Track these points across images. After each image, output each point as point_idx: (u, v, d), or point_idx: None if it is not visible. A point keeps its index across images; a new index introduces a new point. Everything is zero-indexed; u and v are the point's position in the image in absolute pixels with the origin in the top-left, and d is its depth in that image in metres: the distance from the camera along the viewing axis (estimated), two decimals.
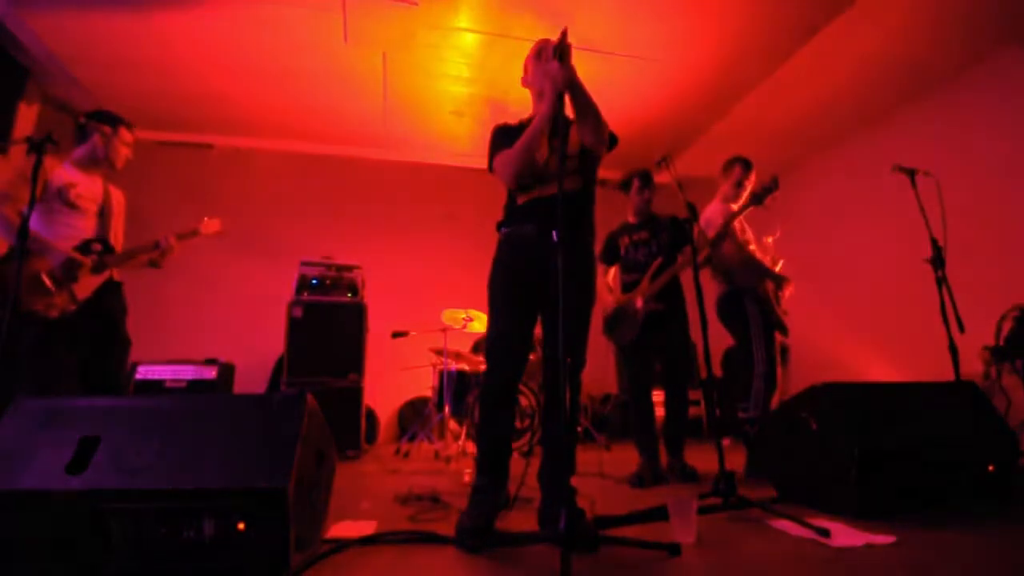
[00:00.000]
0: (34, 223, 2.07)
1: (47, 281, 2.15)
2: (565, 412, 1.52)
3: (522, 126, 1.94)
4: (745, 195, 2.88)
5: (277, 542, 1.22)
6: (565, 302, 1.52)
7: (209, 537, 1.21)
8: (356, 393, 3.80)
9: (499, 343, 1.81)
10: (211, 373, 3.97)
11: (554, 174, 1.70)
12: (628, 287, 2.92)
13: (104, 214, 2.38)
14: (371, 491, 2.48)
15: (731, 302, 2.88)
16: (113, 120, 2.42)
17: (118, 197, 2.50)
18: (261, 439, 1.34)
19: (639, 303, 2.77)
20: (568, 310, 1.58)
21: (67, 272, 2.19)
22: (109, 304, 2.35)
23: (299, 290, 3.95)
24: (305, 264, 4.09)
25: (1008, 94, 3.67)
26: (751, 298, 2.81)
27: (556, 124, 1.75)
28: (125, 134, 2.45)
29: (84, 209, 2.32)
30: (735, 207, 2.84)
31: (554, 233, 1.63)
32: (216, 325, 4.72)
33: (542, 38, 1.96)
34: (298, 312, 3.82)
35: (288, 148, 5.36)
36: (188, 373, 3.92)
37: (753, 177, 2.95)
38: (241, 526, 1.21)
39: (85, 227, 2.32)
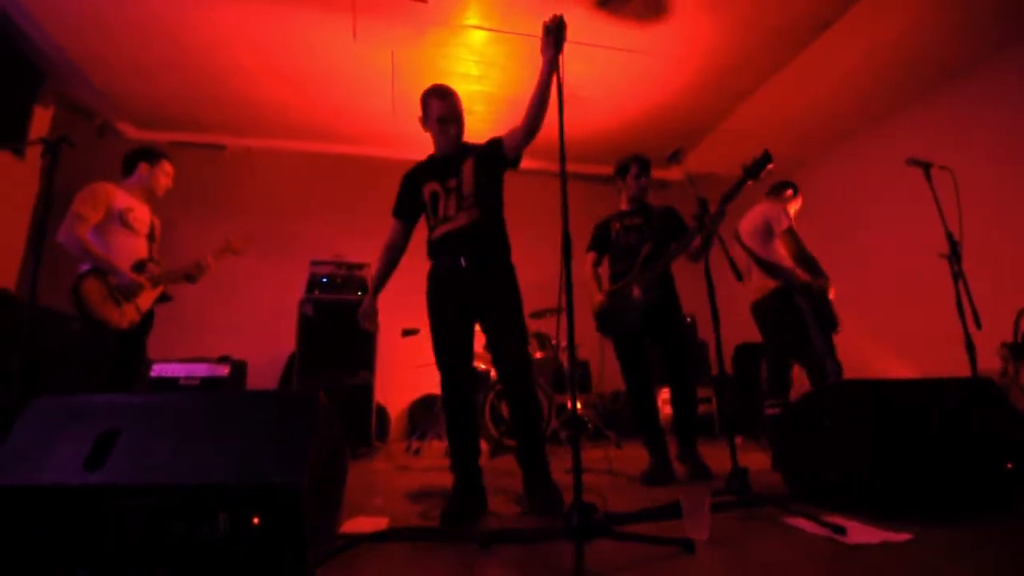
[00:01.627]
0: (93, 240, 2.41)
1: (117, 297, 2.46)
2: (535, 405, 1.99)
3: (431, 160, 2.23)
4: (798, 198, 3.13)
5: (292, 538, 1.22)
6: (495, 313, 2.00)
7: (224, 533, 1.22)
8: (367, 391, 3.82)
9: (442, 360, 2.03)
10: (224, 371, 4.00)
11: (452, 215, 2.07)
12: (617, 276, 2.82)
13: (152, 236, 2.70)
14: (383, 488, 2.49)
15: (783, 299, 2.87)
16: (157, 156, 2.75)
17: (158, 223, 2.81)
18: (275, 436, 1.34)
19: (637, 293, 2.66)
20: (499, 319, 2.01)
21: (131, 290, 2.48)
22: (151, 320, 2.67)
23: (310, 288, 3.97)
24: (315, 263, 4.11)
25: (1018, 85, 3.60)
26: (803, 295, 2.80)
27: (449, 165, 2.12)
28: (166, 166, 2.78)
29: (138, 231, 2.60)
30: (791, 207, 2.97)
31: (462, 259, 2.02)
32: (228, 324, 4.77)
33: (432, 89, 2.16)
34: (309, 310, 3.84)
35: (298, 147, 5.39)
36: (201, 371, 3.96)
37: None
38: (256, 522, 1.22)
39: (138, 247, 2.60)
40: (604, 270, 2.95)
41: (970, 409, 1.99)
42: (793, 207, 3.15)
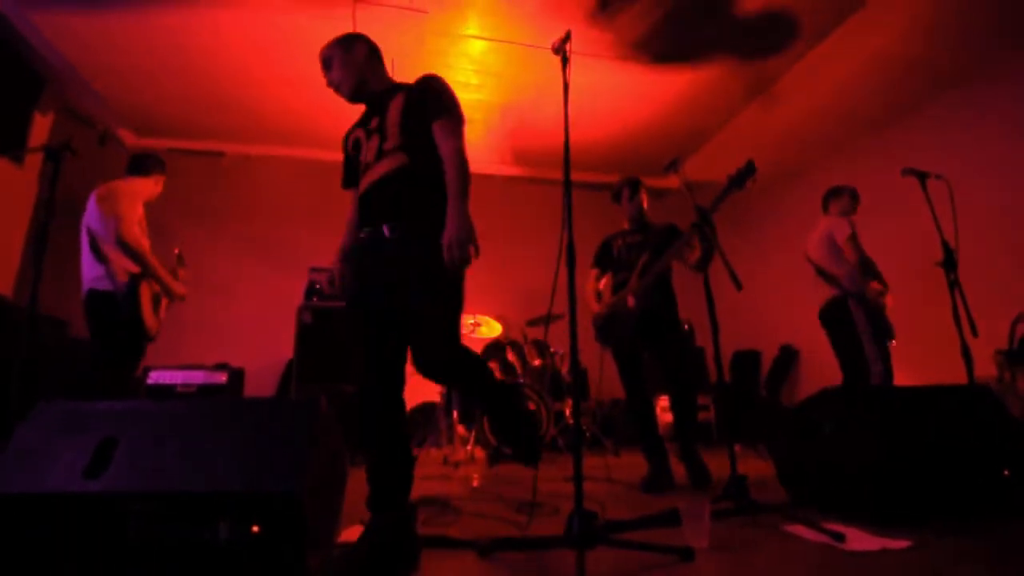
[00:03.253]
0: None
1: (154, 304, 2.63)
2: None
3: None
4: (854, 208, 3.28)
5: (291, 546, 1.22)
6: (412, 302, 1.49)
7: (224, 540, 1.22)
8: None
9: (363, 356, 1.59)
10: (221, 378, 3.99)
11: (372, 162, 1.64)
12: (619, 286, 2.87)
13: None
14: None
15: (838, 307, 3.02)
16: (159, 164, 2.88)
17: None
18: (275, 443, 1.35)
19: (631, 302, 2.71)
20: (417, 309, 1.50)
21: (171, 296, 2.70)
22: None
23: (308, 296, 3.98)
24: (314, 270, 4.12)
25: (1016, 95, 3.65)
26: (857, 303, 2.94)
27: (374, 106, 1.75)
28: (162, 178, 2.91)
29: (146, 236, 2.71)
30: (849, 221, 3.10)
31: (385, 228, 1.55)
32: (226, 330, 4.77)
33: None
34: (307, 318, 3.85)
35: (298, 154, 5.42)
36: (199, 378, 3.95)
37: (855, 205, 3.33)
38: (256, 529, 1.22)
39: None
40: (606, 286, 3.01)
41: (968, 416, 2.00)
42: (846, 210, 3.29)
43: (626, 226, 3.03)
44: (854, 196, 3.33)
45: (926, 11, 3.45)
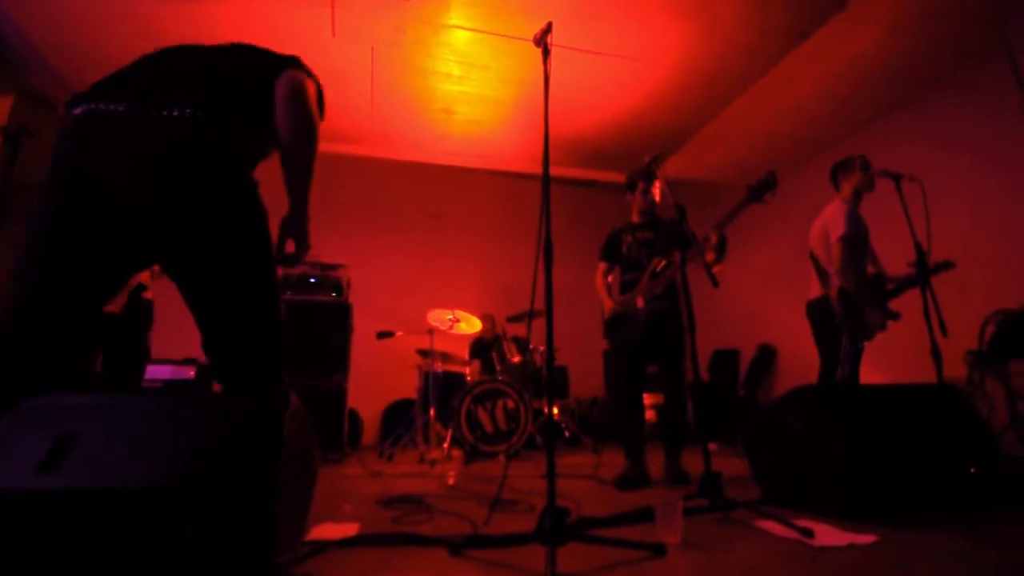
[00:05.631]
0: None
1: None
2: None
3: None
4: (870, 183, 2.96)
5: (255, 544, 1.21)
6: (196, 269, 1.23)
7: (184, 538, 1.20)
8: (340, 394, 3.78)
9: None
10: (189, 373, 3.93)
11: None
12: (628, 285, 2.90)
13: None
14: (354, 494, 2.47)
15: (822, 304, 2.94)
16: None
17: None
18: (243, 439, 1.33)
19: (640, 303, 2.74)
20: (208, 281, 1.26)
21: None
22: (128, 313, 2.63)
23: (282, 289, 3.92)
24: None
25: (991, 100, 3.77)
26: (841, 302, 2.86)
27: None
28: None
29: None
30: (847, 216, 2.86)
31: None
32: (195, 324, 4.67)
33: None
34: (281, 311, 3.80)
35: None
36: (165, 373, 3.88)
37: (870, 176, 2.96)
38: (220, 527, 1.21)
39: None
40: (614, 280, 3.03)
41: (936, 415, 2.07)
42: (862, 185, 2.99)
43: (635, 219, 3.02)
44: (865, 167, 2.95)
45: (901, 20, 3.54)
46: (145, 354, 2.70)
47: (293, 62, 1.47)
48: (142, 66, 1.38)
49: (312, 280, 3.99)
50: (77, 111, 1.23)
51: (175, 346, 4.20)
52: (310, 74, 1.50)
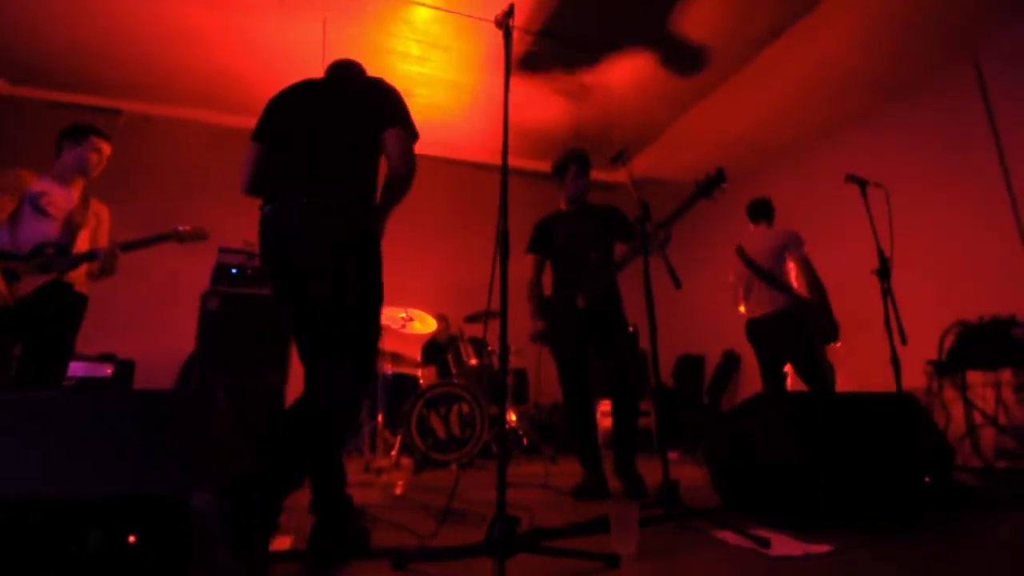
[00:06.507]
0: (7, 227, 2.51)
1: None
2: None
3: None
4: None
5: (174, 556, 1.17)
6: None
7: (95, 550, 1.15)
8: (277, 396, 3.68)
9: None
10: (106, 371, 3.76)
11: None
12: (562, 283, 2.83)
13: (70, 222, 2.69)
14: (290, 503, 2.40)
15: (794, 318, 3.25)
16: (83, 131, 2.76)
17: (97, 210, 2.83)
18: (162, 442, 1.28)
19: (581, 303, 2.67)
20: None
21: (6, 273, 2.48)
22: (46, 308, 2.56)
23: (216, 280, 3.78)
24: (224, 251, 3.92)
25: (957, 110, 4.01)
26: (812, 315, 3.24)
27: None
28: (95, 141, 2.77)
29: (52, 216, 2.64)
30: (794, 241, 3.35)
31: None
32: (115, 317, 4.45)
33: None
34: (214, 304, 3.66)
35: (208, 118, 5.15)
36: (78, 370, 3.69)
37: None
38: (132, 539, 1.16)
39: (49, 232, 2.62)
40: (547, 277, 2.95)
41: (893, 424, 2.19)
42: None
43: (563, 206, 2.94)
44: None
45: (871, 25, 3.73)
46: (70, 351, 2.64)
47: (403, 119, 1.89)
48: (296, 148, 2.01)
49: (248, 272, 3.86)
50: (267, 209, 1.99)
51: (92, 343, 4.01)
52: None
